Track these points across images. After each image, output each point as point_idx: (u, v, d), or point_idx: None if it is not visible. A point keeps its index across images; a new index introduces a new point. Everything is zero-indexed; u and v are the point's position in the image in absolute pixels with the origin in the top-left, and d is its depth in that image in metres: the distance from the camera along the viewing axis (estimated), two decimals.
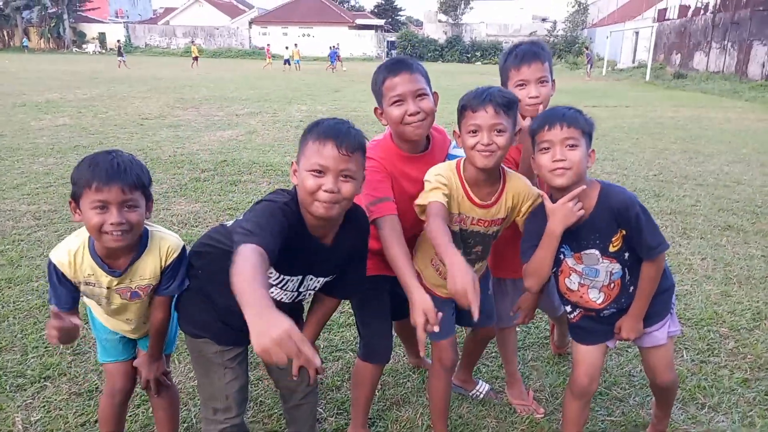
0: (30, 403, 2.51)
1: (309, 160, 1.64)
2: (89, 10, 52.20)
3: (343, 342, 3.09)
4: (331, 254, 1.82)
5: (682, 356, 3.00)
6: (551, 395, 2.68)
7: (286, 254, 1.68)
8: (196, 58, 31.22)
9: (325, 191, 1.61)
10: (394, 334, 2.84)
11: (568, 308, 2.09)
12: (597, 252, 1.92)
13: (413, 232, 2.17)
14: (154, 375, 2.02)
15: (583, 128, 1.84)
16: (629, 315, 2.00)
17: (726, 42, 23.90)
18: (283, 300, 1.86)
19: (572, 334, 2.15)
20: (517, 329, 2.84)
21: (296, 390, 2.06)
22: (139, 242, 1.80)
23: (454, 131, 2.00)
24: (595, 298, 1.99)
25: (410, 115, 2.00)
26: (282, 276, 1.79)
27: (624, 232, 1.88)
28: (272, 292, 1.81)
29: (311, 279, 1.85)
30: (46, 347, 2.93)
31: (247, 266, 1.39)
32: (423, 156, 2.16)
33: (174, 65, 30.57)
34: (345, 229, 1.83)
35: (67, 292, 1.77)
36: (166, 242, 1.85)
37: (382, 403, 2.60)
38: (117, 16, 59.58)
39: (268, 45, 37.74)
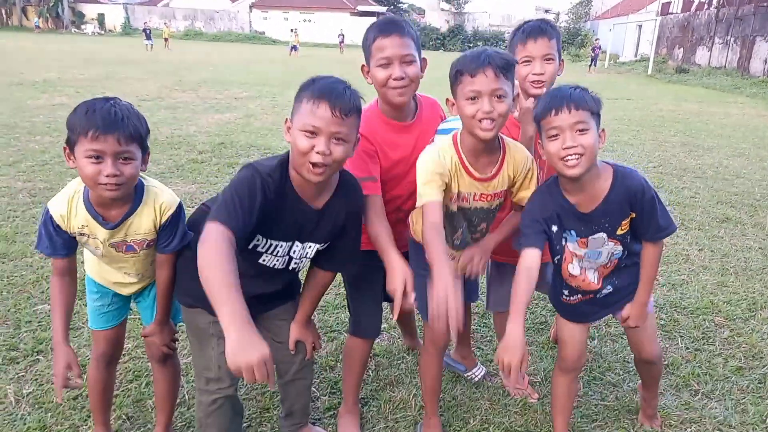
0: (22, 376, 2.50)
1: (302, 119, 1.61)
2: None
3: (337, 323, 3.08)
4: (321, 219, 1.79)
5: (677, 344, 3.00)
6: (545, 379, 2.68)
7: (273, 218, 1.68)
8: (166, 40, 30.26)
9: (318, 153, 1.59)
10: (385, 318, 2.84)
11: (566, 292, 2.05)
12: (604, 235, 1.88)
13: (404, 190, 2.12)
14: (166, 341, 2.01)
15: (592, 108, 1.74)
16: (636, 303, 1.99)
17: (729, 37, 23.81)
18: (275, 266, 1.82)
19: (564, 313, 2.11)
20: None
21: (292, 363, 2.06)
22: (134, 195, 1.77)
23: (447, 99, 1.89)
24: (592, 278, 1.98)
25: (395, 79, 1.96)
26: (269, 241, 1.76)
27: (634, 214, 1.85)
28: (263, 260, 1.80)
29: (300, 245, 1.82)
30: (39, 321, 2.92)
31: (217, 259, 1.44)
32: (410, 125, 2.13)
33: (173, 47, 30.31)
34: (338, 195, 1.80)
35: (62, 241, 1.77)
36: (161, 198, 1.81)
37: (376, 384, 2.59)
38: None
39: (295, 30, 37.13)
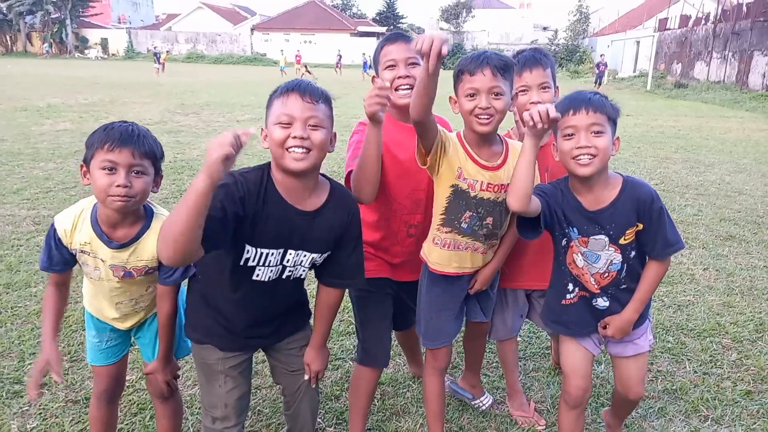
0: (26, 410, 2.48)
1: (274, 114, 1.65)
2: (92, 15, 52.36)
3: (342, 350, 3.06)
4: (312, 224, 1.75)
5: (685, 367, 2.98)
6: (552, 406, 2.65)
7: (258, 224, 1.66)
8: (163, 64, 29.52)
9: (294, 137, 1.61)
10: (394, 340, 2.83)
11: (570, 286, 2.01)
12: (606, 239, 1.88)
13: (410, 199, 2.16)
14: (168, 377, 2.00)
15: (610, 114, 1.79)
16: (622, 314, 1.96)
17: (727, 52, 23.96)
18: (270, 278, 1.77)
19: (561, 326, 2.08)
20: (518, 339, 2.81)
21: (298, 390, 2.01)
22: (144, 220, 1.80)
23: (450, 97, 1.97)
24: (591, 280, 1.97)
25: (400, 77, 2.07)
26: (259, 250, 1.71)
27: (641, 226, 1.86)
28: (257, 275, 1.75)
29: (294, 253, 1.76)
30: None
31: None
32: None
33: (175, 71, 30.61)
34: (330, 202, 1.79)
35: (60, 257, 1.79)
36: None
37: (382, 414, 2.57)
38: (119, 22, 59.82)
39: (298, 52, 37.34)
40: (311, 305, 2.04)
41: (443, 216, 2.04)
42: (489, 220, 2.03)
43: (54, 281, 1.86)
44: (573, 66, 40.89)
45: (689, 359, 3.06)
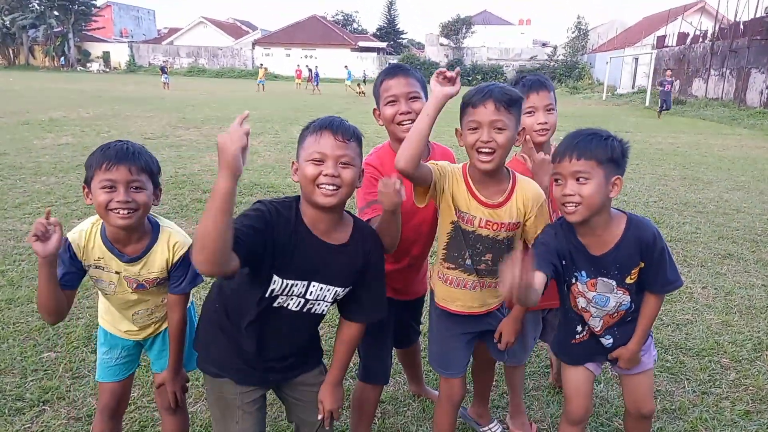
0: (29, 427, 2.49)
1: (308, 150, 1.69)
2: (94, 29, 52.79)
3: None
4: (338, 258, 1.77)
5: (684, 387, 2.99)
6: (552, 426, 2.66)
7: (286, 254, 1.69)
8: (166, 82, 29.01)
9: (326, 175, 1.65)
10: (395, 357, 2.84)
11: (579, 327, 2.03)
12: (614, 282, 1.90)
13: (413, 231, 2.17)
14: (177, 388, 2.03)
15: (599, 158, 1.73)
16: (630, 347, 2.00)
17: (724, 69, 24.15)
18: (290, 307, 1.78)
19: (570, 357, 2.10)
20: None
21: (314, 426, 1.99)
22: (150, 234, 1.87)
23: (456, 129, 1.96)
24: (595, 325, 2.00)
25: (401, 113, 2.09)
26: (285, 281, 1.73)
27: (643, 264, 1.87)
28: (278, 303, 1.76)
29: (318, 286, 1.77)
30: (45, 370, 2.92)
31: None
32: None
33: (177, 85, 30.79)
34: (354, 237, 1.81)
35: (73, 272, 1.82)
36: (174, 238, 1.90)
37: None
38: (121, 36, 60.25)
39: (298, 66, 37.58)
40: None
41: (445, 251, 2.06)
42: (488, 256, 2.02)
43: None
44: (572, 82, 41.18)
45: (688, 378, 3.07)
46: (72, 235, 1.83)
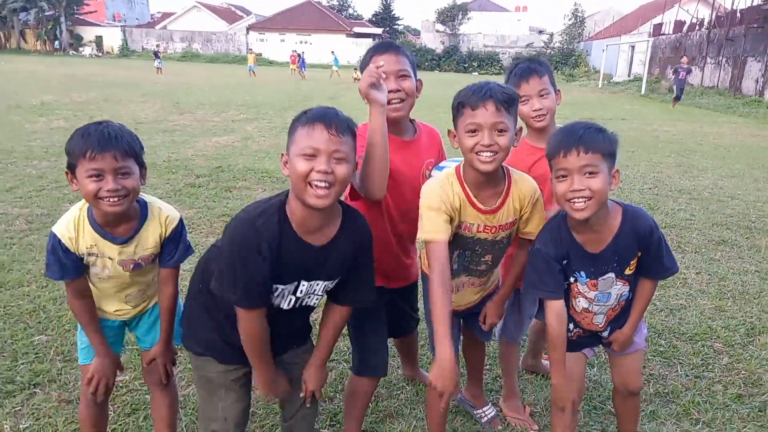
0: (19, 410, 2.47)
1: (299, 144, 1.60)
2: (86, 13, 52.08)
3: (335, 353, 3.06)
4: (325, 257, 1.74)
5: (677, 371, 3.00)
6: (545, 409, 2.66)
7: (272, 265, 1.65)
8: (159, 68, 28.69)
9: (318, 171, 1.56)
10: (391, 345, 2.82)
11: (570, 326, 2.01)
12: (613, 275, 1.88)
13: (397, 209, 2.13)
14: (168, 361, 2.04)
15: (603, 151, 1.70)
16: (624, 331, 2.00)
17: (721, 58, 24.09)
18: (281, 306, 1.78)
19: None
20: None
21: (298, 402, 2.01)
22: (139, 213, 1.86)
23: (449, 131, 1.89)
24: (599, 322, 1.99)
25: (390, 91, 2.01)
26: (274, 285, 1.72)
27: (640, 254, 1.86)
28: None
29: (307, 284, 1.77)
30: (36, 353, 2.89)
31: (257, 343, 1.73)
32: (409, 142, 2.16)
33: (170, 70, 30.51)
34: (343, 231, 1.76)
35: (71, 263, 1.81)
36: (165, 213, 1.91)
37: (375, 415, 2.58)
38: (114, 20, 59.55)
39: (294, 51, 36.96)
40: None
41: None
42: (488, 257, 2.02)
43: (75, 292, 1.86)
44: (568, 69, 41.06)
45: (681, 363, 3.08)
46: (59, 229, 1.79)
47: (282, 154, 1.70)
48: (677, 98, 19.18)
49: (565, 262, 1.88)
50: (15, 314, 3.28)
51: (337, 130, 1.59)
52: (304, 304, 1.83)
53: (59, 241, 1.78)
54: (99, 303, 1.98)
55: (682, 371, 3.00)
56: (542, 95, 2.24)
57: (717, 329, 3.47)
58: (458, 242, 1.96)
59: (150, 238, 1.88)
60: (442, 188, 1.87)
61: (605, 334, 2.02)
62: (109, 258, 1.84)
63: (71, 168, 1.74)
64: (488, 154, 1.75)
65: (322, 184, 1.57)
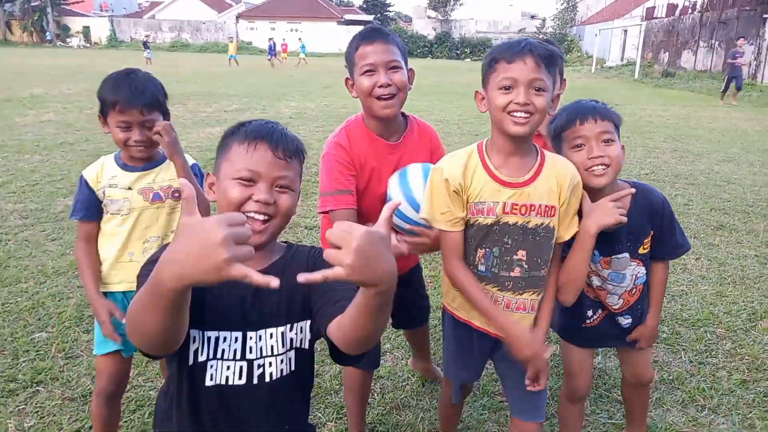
0: (23, 408, 2.45)
1: (234, 165, 1.26)
2: (73, 3, 51.36)
3: None
4: (261, 291, 1.26)
5: (681, 357, 3.00)
6: (551, 398, 2.65)
7: (199, 299, 1.19)
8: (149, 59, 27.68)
9: (257, 201, 1.23)
10: (388, 337, 2.81)
11: (590, 312, 1.96)
12: (627, 255, 1.86)
13: (381, 202, 1.94)
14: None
15: (616, 121, 1.76)
16: (649, 324, 1.97)
17: (713, 41, 24.10)
18: (231, 382, 1.26)
19: (578, 340, 2.04)
20: None
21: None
22: (160, 154, 2.01)
23: (477, 92, 1.67)
24: (613, 303, 1.95)
25: (380, 86, 1.85)
26: (207, 334, 1.26)
27: (653, 232, 1.86)
28: (211, 377, 1.26)
29: (255, 335, 1.28)
30: (37, 351, 2.87)
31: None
32: (394, 146, 2.00)
33: (160, 61, 30.20)
34: (278, 264, 1.34)
35: (90, 203, 1.93)
36: None
37: (382, 407, 2.57)
38: (101, 10, 58.82)
39: (284, 41, 36.57)
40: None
41: None
42: (520, 254, 1.64)
43: (85, 235, 1.97)
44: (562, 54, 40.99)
45: (684, 349, 3.09)
46: (87, 172, 1.96)
47: (207, 174, 1.38)
48: (738, 88, 16.38)
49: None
50: (14, 311, 3.25)
51: (284, 153, 1.27)
52: (265, 377, 1.29)
53: (86, 181, 1.93)
54: (108, 270, 1.98)
55: (686, 357, 3.01)
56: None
57: (719, 315, 3.48)
58: (481, 236, 1.66)
59: (169, 171, 1.99)
60: (450, 159, 1.70)
61: (625, 322, 1.97)
62: (129, 188, 1.94)
63: (103, 113, 1.91)
64: (522, 114, 1.53)
65: (260, 217, 1.25)
